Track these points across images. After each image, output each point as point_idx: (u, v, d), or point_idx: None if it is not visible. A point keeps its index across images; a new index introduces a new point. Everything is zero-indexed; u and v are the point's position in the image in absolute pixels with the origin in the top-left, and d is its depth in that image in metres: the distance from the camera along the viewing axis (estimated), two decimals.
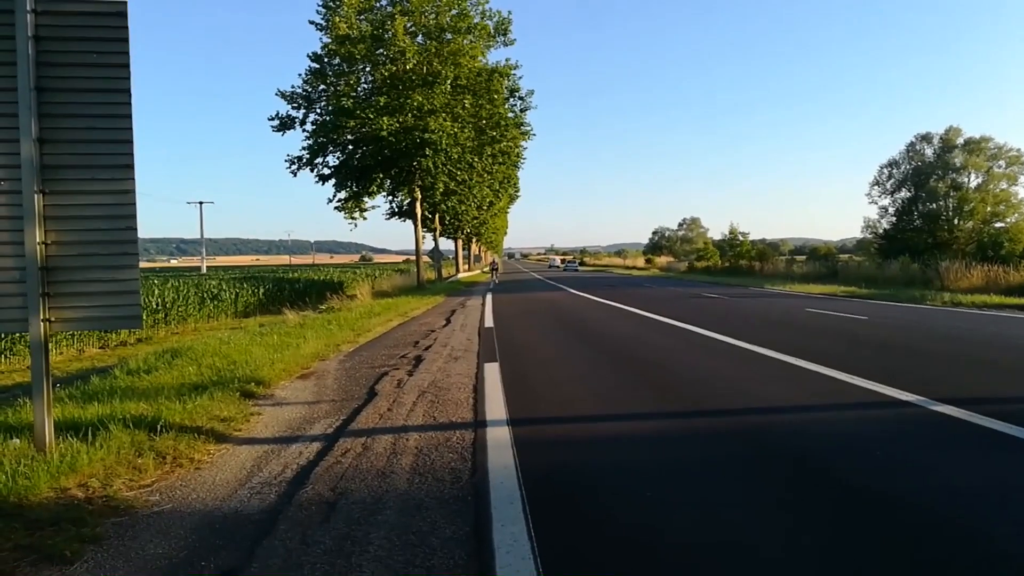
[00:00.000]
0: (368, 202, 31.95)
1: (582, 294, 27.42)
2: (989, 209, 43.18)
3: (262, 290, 28.10)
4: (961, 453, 5.00)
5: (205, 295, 23.53)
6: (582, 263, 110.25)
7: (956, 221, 43.93)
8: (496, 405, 6.76)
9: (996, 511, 3.84)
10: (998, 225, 42.79)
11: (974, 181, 44.14)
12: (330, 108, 28.42)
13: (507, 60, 31.42)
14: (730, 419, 6.21)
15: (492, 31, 30.06)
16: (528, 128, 36.25)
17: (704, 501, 4.08)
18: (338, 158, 30.57)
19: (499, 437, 5.54)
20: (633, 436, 5.75)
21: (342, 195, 30.87)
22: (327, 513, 3.93)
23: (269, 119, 29.23)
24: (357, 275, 41.93)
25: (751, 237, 61.05)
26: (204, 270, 68.13)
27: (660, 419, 6.27)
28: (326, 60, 28.49)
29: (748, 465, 4.81)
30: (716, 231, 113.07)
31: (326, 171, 30.34)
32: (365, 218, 31.66)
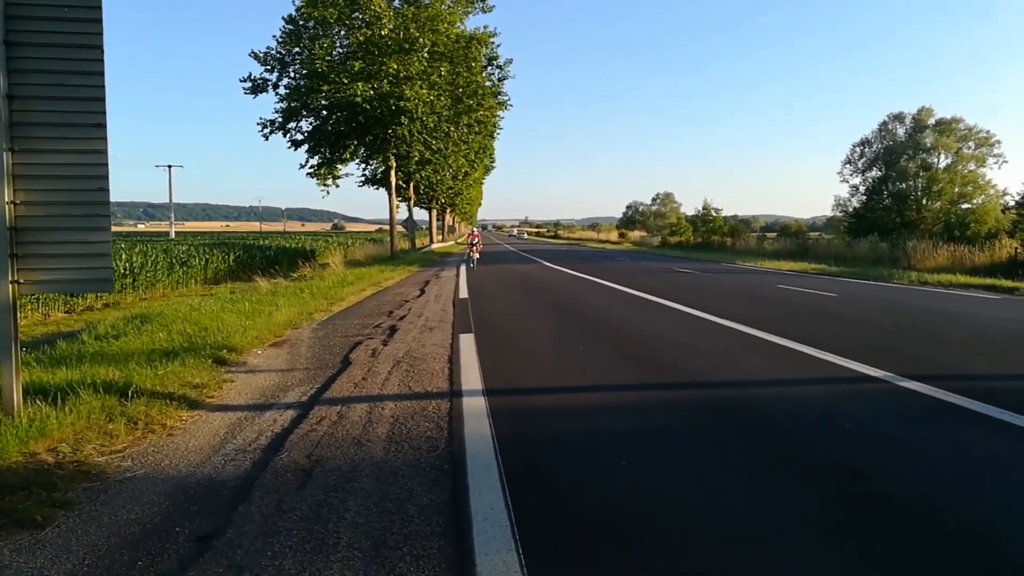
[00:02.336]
0: (341, 169, 31.50)
1: (556, 267, 27.47)
2: (957, 190, 44.01)
3: (232, 257, 27.70)
4: (925, 427, 5.11)
5: (174, 260, 23.12)
6: (555, 236, 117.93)
7: (924, 201, 44.72)
8: (472, 375, 6.76)
9: (955, 482, 3.95)
10: (965, 206, 43.61)
11: (943, 162, 44.93)
12: (304, 72, 27.87)
13: (485, 27, 31.07)
14: (704, 391, 6.30)
15: None
16: (505, 98, 35.98)
17: (678, 470, 4.14)
18: (311, 123, 30.09)
19: (475, 406, 5.55)
20: (607, 406, 5.81)
21: (315, 161, 30.40)
22: (303, 480, 3.92)
23: (241, 80, 28.64)
24: (329, 244, 41.53)
25: (724, 213, 61.59)
26: (173, 235, 67.00)
27: (634, 390, 6.33)
28: (300, 23, 27.87)
29: (721, 435, 4.89)
30: (689, 207, 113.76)
31: (299, 136, 29.87)
32: (338, 185, 31.28)
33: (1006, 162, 44.63)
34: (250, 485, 3.84)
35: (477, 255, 26.53)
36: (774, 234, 62.53)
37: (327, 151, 30.39)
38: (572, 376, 6.94)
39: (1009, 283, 18.14)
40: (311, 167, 30.46)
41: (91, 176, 4.67)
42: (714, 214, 59.23)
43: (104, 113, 4.65)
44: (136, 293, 19.86)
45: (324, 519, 3.39)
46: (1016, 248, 25.13)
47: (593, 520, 3.43)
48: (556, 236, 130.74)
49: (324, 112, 29.67)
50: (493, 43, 31.51)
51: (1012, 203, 39.84)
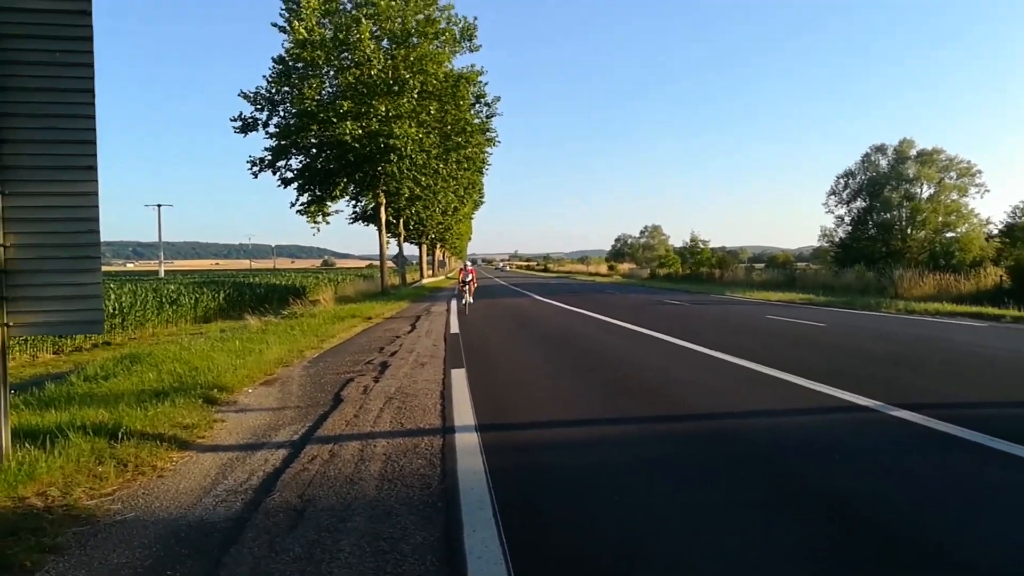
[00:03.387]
0: (331, 206, 31.50)
1: (547, 300, 27.51)
2: (940, 219, 44.50)
3: (222, 295, 27.67)
4: (916, 456, 5.13)
5: (164, 299, 23.08)
6: (545, 269, 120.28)
7: (909, 231, 45.17)
8: (464, 411, 6.75)
9: (946, 511, 3.96)
10: (949, 235, 44.10)
11: (926, 192, 45.46)
12: (294, 111, 28.09)
13: (472, 66, 31.47)
14: (697, 423, 6.30)
15: (458, 36, 30.05)
16: (494, 135, 36.32)
17: (670, 503, 4.13)
18: (301, 161, 30.18)
19: (468, 442, 5.54)
20: (599, 440, 5.82)
21: (305, 199, 30.45)
22: (295, 520, 3.89)
23: (231, 120, 28.78)
24: (320, 280, 41.51)
25: (711, 245, 62.02)
26: (162, 274, 66.81)
27: (626, 423, 6.33)
28: (290, 63, 28.17)
29: (713, 468, 4.88)
30: (677, 239, 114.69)
31: (289, 174, 29.93)
32: (328, 222, 31.27)
33: (988, 191, 45.16)
34: (242, 526, 3.81)
35: (471, 297, 21.74)
36: (762, 265, 62.90)
37: (317, 188, 30.47)
38: (564, 410, 6.92)
39: (995, 311, 18.27)
40: (301, 204, 30.51)
41: (81, 218, 4.70)
42: (702, 246, 59.65)
43: (95, 156, 4.69)
44: (126, 332, 19.78)
45: (317, 560, 3.36)
46: (1001, 276, 25.37)
47: (587, 556, 3.42)
48: (546, 269, 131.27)
49: (314, 150, 29.82)
50: (481, 81, 31.94)
51: (995, 231, 40.42)
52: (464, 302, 21.29)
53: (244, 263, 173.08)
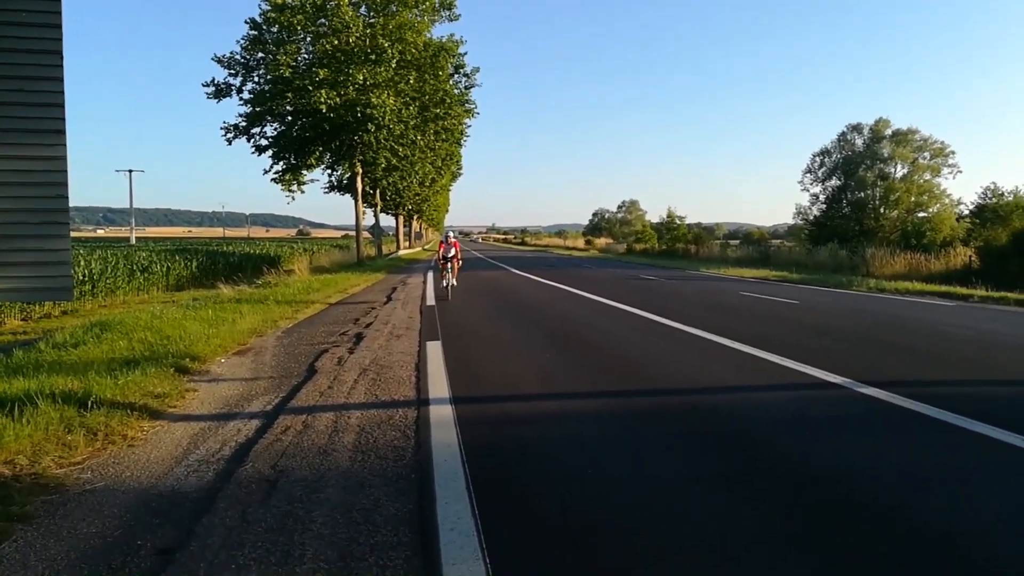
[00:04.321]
0: (307, 175, 31.09)
1: (523, 274, 27.54)
2: (913, 199, 45.02)
3: (195, 263, 27.31)
4: (882, 432, 5.24)
5: (135, 267, 22.72)
6: (522, 243, 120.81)
7: (882, 210, 45.67)
8: (439, 383, 6.76)
9: (913, 486, 4.06)
10: (921, 215, 44.68)
11: (900, 171, 45.92)
12: (268, 77, 27.58)
13: (451, 35, 31.08)
14: (668, 398, 6.38)
15: (437, 5, 29.63)
16: (472, 106, 36.00)
17: (643, 478, 4.19)
18: (276, 129, 29.71)
19: (442, 415, 5.56)
20: (574, 414, 5.86)
21: (280, 167, 30.03)
22: (268, 491, 3.89)
23: (204, 84, 28.21)
24: (294, 250, 41.11)
25: (688, 221, 62.23)
26: (133, 241, 65.76)
27: (601, 398, 6.38)
28: (265, 27, 27.59)
29: (684, 442, 4.95)
30: (654, 214, 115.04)
31: (263, 142, 29.48)
32: (303, 191, 30.91)
33: (960, 172, 45.72)
34: (213, 496, 3.80)
35: (454, 279, 16.61)
36: (737, 241, 63.34)
37: (292, 157, 30.05)
38: (539, 383, 6.96)
39: (963, 290, 18.63)
40: (276, 173, 30.09)
41: (50, 183, 4.59)
42: (678, 222, 59.88)
43: (63, 119, 4.58)
44: (96, 300, 19.48)
45: (289, 530, 3.37)
46: (970, 256, 25.82)
47: (560, 528, 3.46)
48: (523, 243, 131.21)
49: (289, 118, 29.34)
50: (460, 52, 31.59)
51: (966, 212, 41.02)
52: (446, 284, 16.20)
53: (217, 231, 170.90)
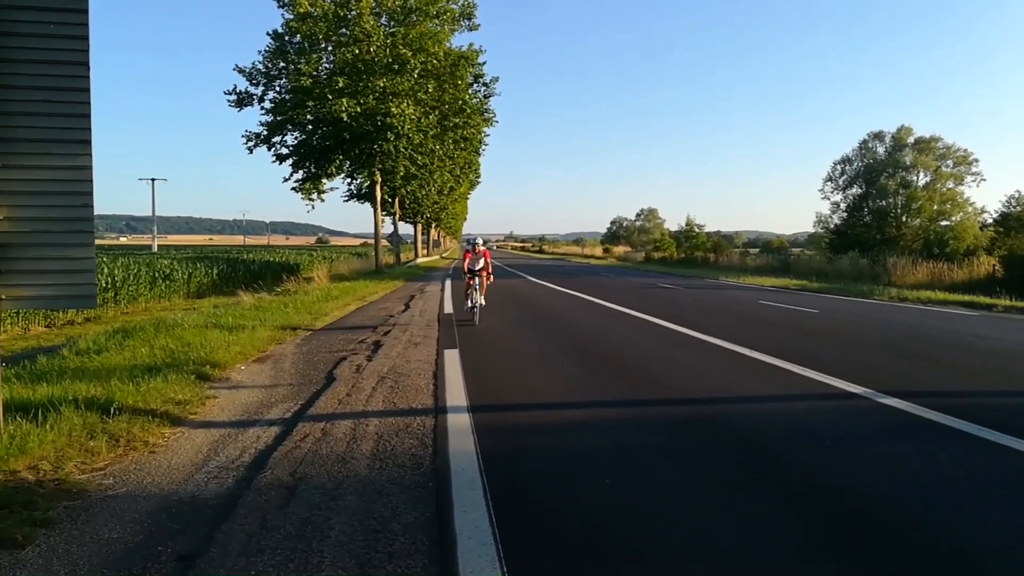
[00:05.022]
0: (326, 183, 31.42)
1: (541, 282, 27.53)
2: (936, 207, 44.60)
3: (216, 271, 27.57)
4: (904, 444, 5.17)
5: (157, 274, 22.96)
6: (540, 251, 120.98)
7: (904, 218, 45.28)
8: (456, 391, 6.77)
9: (933, 498, 4.00)
10: (944, 223, 44.24)
11: (922, 180, 45.55)
12: (290, 87, 27.88)
13: (470, 45, 31.27)
14: (687, 408, 6.34)
15: (457, 15, 29.85)
16: (491, 115, 36.17)
17: (661, 487, 4.16)
18: (297, 137, 30.05)
19: (460, 423, 5.56)
20: (590, 422, 5.84)
21: (300, 175, 30.35)
22: (287, 498, 3.90)
23: (226, 93, 28.58)
24: (314, 258, 41.42)
25: (706, 229, 62.26)
26: (155, 249, 66.54)
27: (617, 406, 6.37)
28: (287, 38, 27.91)
29: (701, 453, 4.92)
30: (673, 222, 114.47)
31: (284, 150, 29.83)
32: (323, 200, 31.19)
33: (984, 180, 45.25)
34: (233, 503, 3.83)
35: (481, 297, 12.99)
36: (756, 250, 63.01)
37: (312, 165, 30.35)
38: (556, 392, 6.95)
39: (987, 300, 18.36)
40: (296, 181, 30.42)
41: (75, 192, 4.66)
42: (697, 230, 59.79)
43: (89, 129, 4.64)
44: (118, 307, 19.71)
45: (308, 537, 3.38)
46: (994, 265, 25.48)
47: (577, 538, 3.45)
48: (541, 251, 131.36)
49: (309, 127, 29.66)
50: (480, 62, 31.78)
51: (990, 220, 40.54)
52: (471, 304, 12.66)
53: (238, 239, 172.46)
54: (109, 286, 19.45)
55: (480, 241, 13.60)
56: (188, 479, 4.23)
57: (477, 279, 12.80)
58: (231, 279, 27.36)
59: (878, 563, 3.19)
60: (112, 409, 5.31)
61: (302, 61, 27.12)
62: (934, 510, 3.85)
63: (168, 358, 7.84)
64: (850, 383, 7.18)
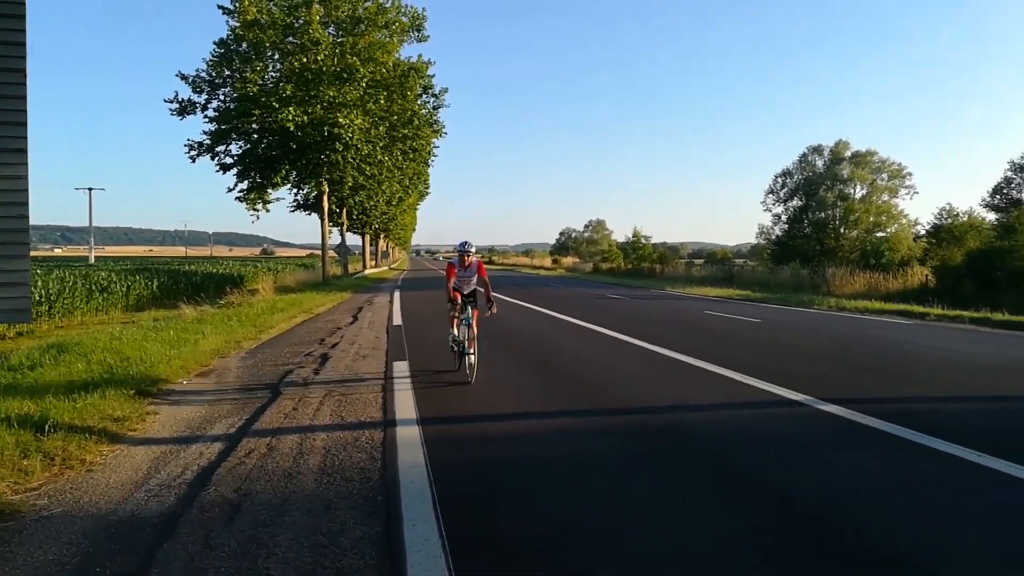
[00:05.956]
0: (272, 194, 30.89)
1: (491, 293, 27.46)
2: (872, 219, 46.13)
3: (156, 283, 26.82)
4: (842, 449, 5.34)
5: (93, 287, 22.23)
6: (490, 261, 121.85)
7: (842, 230, 46.70)
8: (406, 404, 6.74)
9: (871, 500, 4.14)
10: (879, 235, 45.76)
11: (859, 192, 47.03)
12: (235, 95, 27.39)
13: (419, 56, 31.24)
14: (635, 417, 6.42)
15: (408, 25, 29.81)
16: (440, 126, 36.14)
17: (610, 495, 4.21)
18: (241, 147, 29.50)
19: (409, 436, 5.53)
20: (540, 432, 5.87)
21: (244, 185, 29.78)
22: (231, 515, 3.83)
23: (167, 101, 27.91)
24: (259, 269, 40.65)
25: (653, 240, 63.09)
26: (92, 260, 64.43)
27: (567, 416, 6.41)
28: (233, 46, 27.43)
29: (654, 461, 4.99)
30: (620, 234, 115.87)
31: (228, 160, 29.22)
32: (268, 210, 30.65)
33: (917, 193, 47.07)
34: (175, 521, 3.74)
35: (472, 352, 8.21)
36: (701, 261, 64.27)
37: (257, 175, 29.82)
38: (507, 403, 6.96)
39: (920, 308, 19.06)
40: (240, 191, 29.84)
41: (11, 203, 4.52)
42: (644, 241, 60.60)
43: (25, 138, 4.51)
44: (52, 321, 19.02)
45: (253, 555, 3.32)
46: (927, 275, 26.48)
47: (528, 548, 3.46)
48: (491, 262, 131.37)
49: (255, 136, 29.16)
50: (429, 73, 31.77)
51: (923, 232, 42.21)
52: (460, 348, 8.40)
53: (179, 250, 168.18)
54: (43, 299, 18.77)
55: (472, 248, 8.54)
56: (127, 498, 4.12)
57: (469, 309, 8.20)
58: (172, 292, 26.65)
59: (818, 560, 3.29)
60: (47, 427, 5.14)
61: (248, 69, 26.68)
62: (872, 511, 3.98)
63: (106, 373, 7.60)
64: (792, 390, 7.38)
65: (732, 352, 10.50)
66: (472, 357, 8.13)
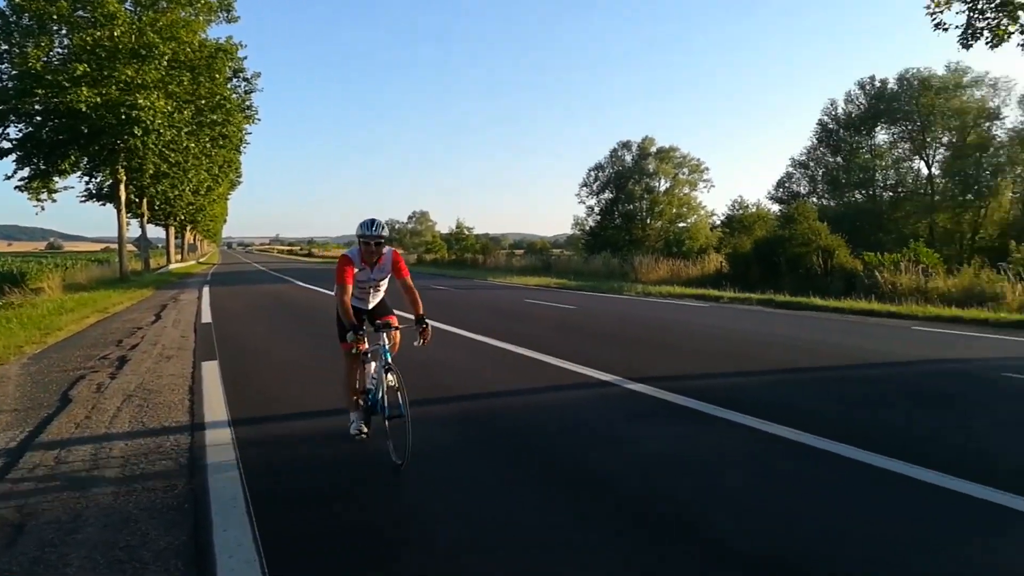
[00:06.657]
0: (59, 182, 27.92)
1: (309, 286, 26.67)
2: (675, 211, 49.86)
3: None
4: (647, 424, 5.77)
5: None
6: (309, 254, 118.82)
7: (648, 220, 50.04)
8: (216, 405, 6.40)
9: (676, 477, 4.52)
10: (681, 225, 49.58)
11: (664, 185, 50.59)
12: (14, 72, 24.37)
13: (228, 38, 29.50)
14: (454, 404, 6.56)
15: (216, 6, 28.02)
16: (253, 112, 34.40)
17: (432, 482, 4.29)
18: (22, 130, 26.37)
19: (220, 438, 5.28)
20: None
21: (25, 173, 26.70)
22: (13, 537, 3.47)
23: None
24: (43, 265, 36.69)
25: (476, 231, 64.02)
26: None
27: None
28: (12, 18, 24.35)
29: (471, 446, 5.13)
30: (444, 225, 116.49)
31: (6, 144, 26.03)
32: (55, 200, 27.70)
33: (713, 186, 51.47)
34: None
35: (401, 397, 4.61)
36: (521, 251, 66.02)
37: (41, 162, 26.80)
38: (322, 400, 6.79)
39: (716, 292, 20.89)
40: (21, 179, 26.70)
41: None
42: (467, 232, 61.36)
43: None
44: None
45: None
46: (721, 262, 28.98)
47: (347, 546, 3.43)
48: (310, 254, 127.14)
49: (39, 118, 26.16)
50: (240, 56, 30.08)
51: (718, 222, 46.34)
52: (373, 394, 5.05)
53: None
54: None
55: (385, 233, 5.27)
56: None
57: (384, 337, 5.03)
58: None
59: (622, 525, 3.55)
60: None
61: (30, 43, 23.82)
62: (666, 480, 4.35)
63: None
64: (603, 372, 7.85)
65: (549, 337, 10.95)
66: (406, 424, 4.49)
